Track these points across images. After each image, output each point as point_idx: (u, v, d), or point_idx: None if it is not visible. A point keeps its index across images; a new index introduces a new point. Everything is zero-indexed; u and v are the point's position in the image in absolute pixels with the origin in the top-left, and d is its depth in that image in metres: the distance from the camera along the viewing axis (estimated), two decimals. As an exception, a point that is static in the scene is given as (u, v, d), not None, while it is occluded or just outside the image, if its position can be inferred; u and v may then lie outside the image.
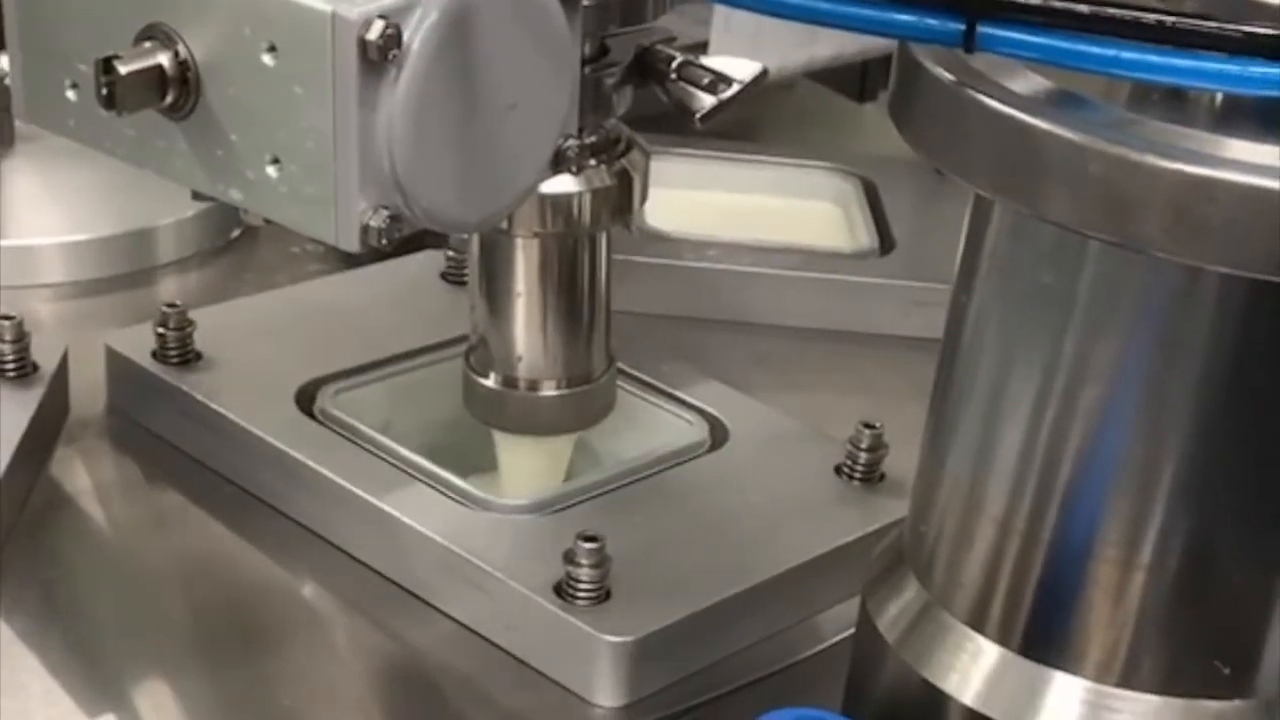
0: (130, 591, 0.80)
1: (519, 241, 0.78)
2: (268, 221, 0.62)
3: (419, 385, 0.90)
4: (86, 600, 0.78)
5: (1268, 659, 0.60)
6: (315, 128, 0.57)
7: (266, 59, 0.58)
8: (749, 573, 0.78)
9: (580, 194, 0.77)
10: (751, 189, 1.17)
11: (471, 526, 0.79)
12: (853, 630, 0.69)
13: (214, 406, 0.86)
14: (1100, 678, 0.60)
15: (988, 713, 0.62)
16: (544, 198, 0.76)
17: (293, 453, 0.83)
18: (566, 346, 0.81)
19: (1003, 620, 0.62)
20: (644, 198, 0.80)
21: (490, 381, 0.82)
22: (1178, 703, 0.60)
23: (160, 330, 0.88)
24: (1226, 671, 0.60)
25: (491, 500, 0.81)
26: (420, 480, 0.82)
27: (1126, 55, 0.51)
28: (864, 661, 0.67)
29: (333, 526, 0.82)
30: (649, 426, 0.89)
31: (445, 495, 0.81)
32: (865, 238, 1.12)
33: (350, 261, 0.99)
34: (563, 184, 0.75)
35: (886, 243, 1.11)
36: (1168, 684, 0.60)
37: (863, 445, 0.83)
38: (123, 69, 0.59)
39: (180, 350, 0.88)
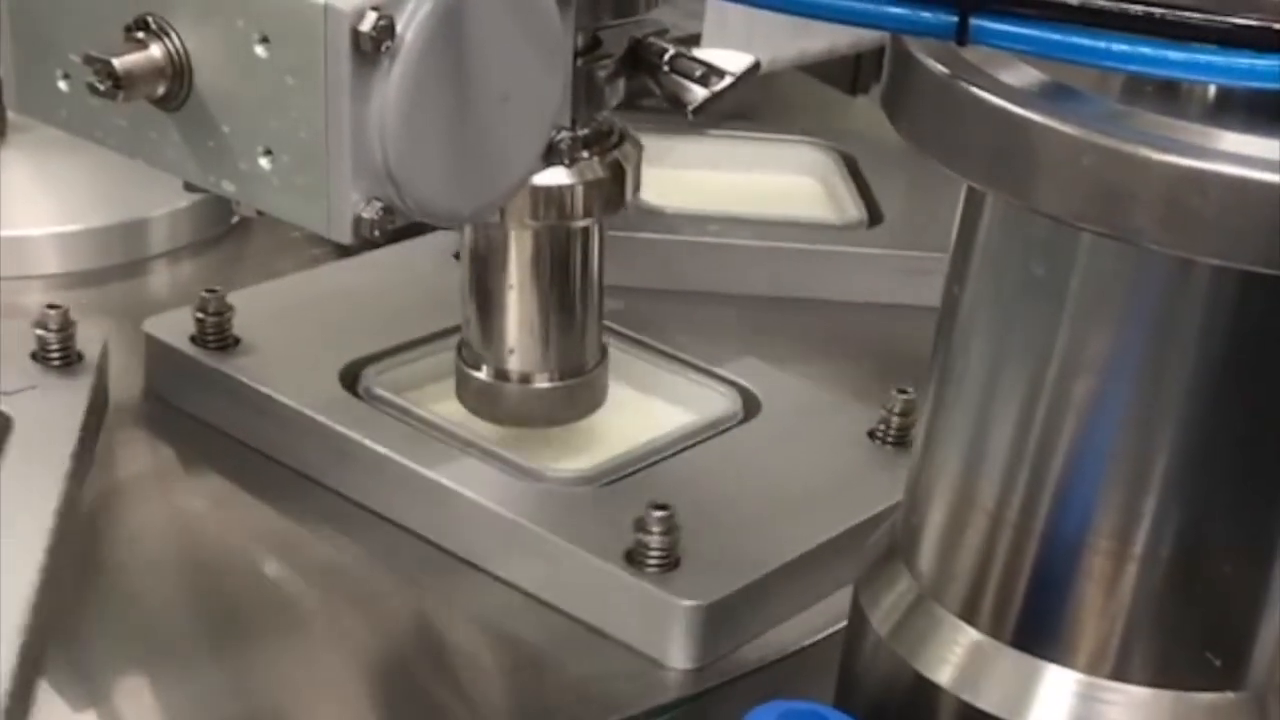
0: (191, 574, 0.81)
1: (511, 234, 0.78)
2: (260, 213, 0.62)
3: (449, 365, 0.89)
4: (147, 586, 0.79)
5: (1259, 651, 0.61)
6: (307, 119, 0.57)
7: (259, 50, 0.58)
8: (806, 537, 0.79)
9: (573, 186, 0.77)
10: (731, 165, 1.18)
11: (531, 498, 0.81)
12: (844, 623, 0.69)
13: (262, 389, 0.86)
14: (1092, 670, 0.60)
15: (979, 705, 0.62)
16: (536, 190, 0.76)
17: (347, 432, 0.84)
18: (559, 339, 0.81)
19: (994, 612, 0.62)
20: (636, 190, 0.80)
21: (482, 374, 0.82)
22: (1169, 695, 0.60)
23: (199, 315, 0.89)
24: (1218, 664, 0.60)
25: (545, 472, 0.82)
26: (474, 455, 0.83)
27: (1118, 47, 0.51)
28: (856, 654, 0.67)
29: (390, 503, 0.83)
30: (682, 399, 0.91)
31: (500, 469, 0.82)
32: (853, 210, 1.13)
33: (345, 251, 0.99)
34: (555, 176, 0.75)
35: (874, 215, 1.12)
36: (1159, 676, 0.60)
37: (895, 410, 0.85)
38: (117, 62, 0.59)
39: (219, 335, 0.89)
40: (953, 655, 0.63)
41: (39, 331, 0.86)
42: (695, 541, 0.77)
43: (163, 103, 0.60)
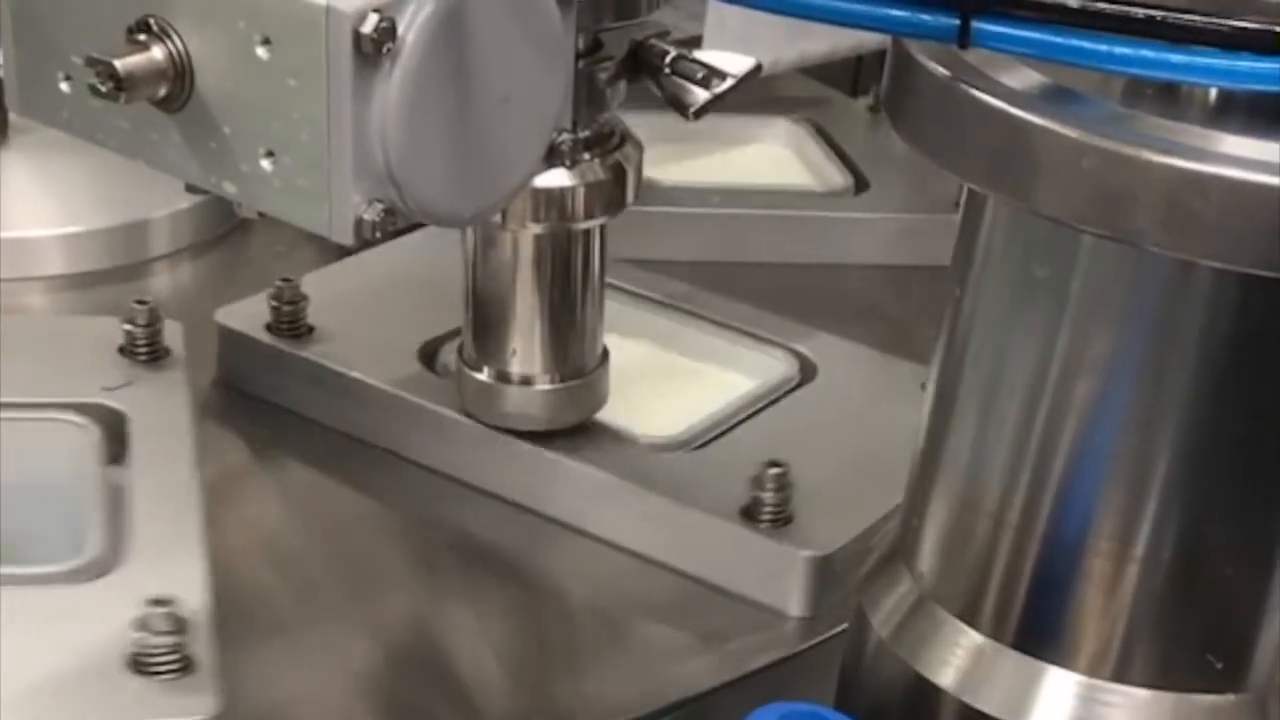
0: (317, 550, 0.83)
1: (512, 235, 0.78)
2: (261, 215, 0.62)
3: None
4: (256, 572, 0.81)
5: (1260, 653, 0.61)
6: (309, 121, 0.57)
7: (260, 52, 0.58)
8: (897, 488, 0.79)
9: (574, 188, 0.77)
10: (708, 138, 1.19)
11: (634, 463, 0.84)
12: (846, 625, 0.69)
13: (346, 371, 0.88)
14: (1093, 672, 0.60)
15: (981, 707, 0.62)
16: (538, 191, 0.76)
17: (442, 410, 0.85)
18: (560, 340, 0.81)
19: (996, 614, 0.62)
20: (638, 191, 0.80)
21: (483, 375, 0.82)
22: (1170, 697, 0.60)
23: (275, 303, 0.91)
24: (1219, 666, 0.60)
25: (637, 438, 0.85)
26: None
27: (1119, 50, 0.51)
28: (857, 655, 0.67)
29: (488, 475, 0.85)
30: (740, 365, 0.94)
31: (593, 437, 0.85)
32: (838, 178, 1.17)
33: (347, 251, 0.99)
34: (556, 178, 0.75)
35: (860, 181, 1.16)
36: (1160, 678, 0.60)
37: None
38: (119, 63, 0.59)
39: (293, 322, 0.91)
40: (954, 657, 0.63)
41: (127, 327, 0.87)
42: (802, 496, 0.81)
43: (164, 104, 0.60)
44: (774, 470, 0.80)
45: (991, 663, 0.62)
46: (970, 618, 0.62)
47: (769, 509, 0.80)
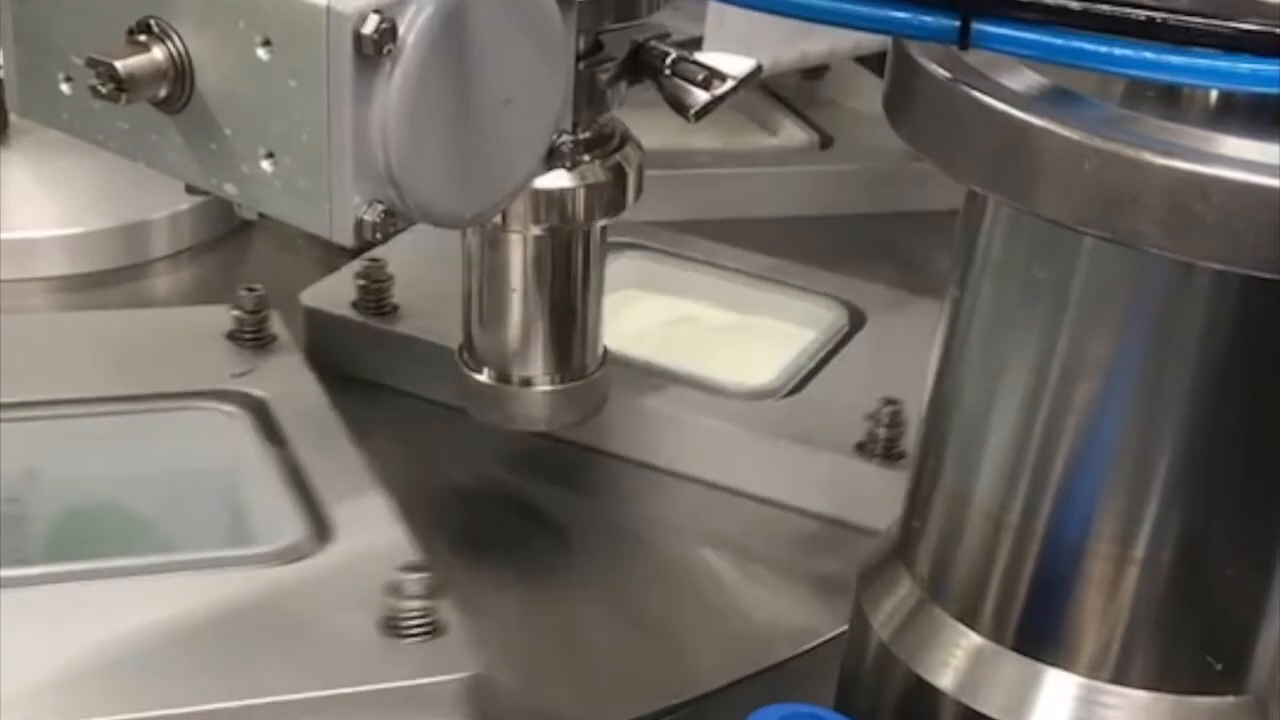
0: (456, 513, 0.87)
1: (513, 237, 0.78)
2: (262, 216, 0.62)
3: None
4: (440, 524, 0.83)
5: (1260, 655, 0.61)
6: (309, 122, 0.57)
7: (261, 53, 0.58)
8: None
9: (574, 189, 0.77)
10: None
11: (743, 410, 0.88)
12: (845, 626, 0.69)
13: (444, 343, 0.87)
14: (1093, 673, 0.60)
15: (981, 708, 0.62)
16: (538, 193, 0.76)
17: None
18: (560, 341, 0.81)
19: (996, 616, 0.62)
20: (638, 193, 0.80)
21: (484, 377, 0.82)
22: (1170, 699, 0.60)
23: (362, 282, 0.94)
24: (1219, 668, 0.60)
25: (730, 386, 0.90)
26: (662, 379, 0.90)
27: (1120, 52, 0.51)
28: (857, 657, 0.67)
29: (599, 434, 0.88)
30: (793, 315, 0.99)
31: (692, 388, 0.89)
32: (801, 135, 1.22)
33: (347, 255, 0.99)
34: (557, 179, 0.75)
35: (824, 138, 1.22)
36: (1160, 680, 0.60)
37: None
38: (119, 64, 0.58)
39: (378, 301, 0.95)
40: (954, 659, 0.63)
41: (236, 313, 0.88)
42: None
43: (164, 105, 0.60)
44: (890, 407, 0.85)
45: (991, 664, 0.62)
46: (970, 619, 0.62)
47: (882, 444, 0.85)
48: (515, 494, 0.88)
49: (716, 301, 0.99)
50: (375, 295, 0.95)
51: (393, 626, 0.69)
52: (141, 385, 0.84)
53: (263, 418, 0.83)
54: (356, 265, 0.96)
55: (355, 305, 0.95)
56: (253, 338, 0.88)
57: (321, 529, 0.75)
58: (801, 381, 0.92)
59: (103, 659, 0.67)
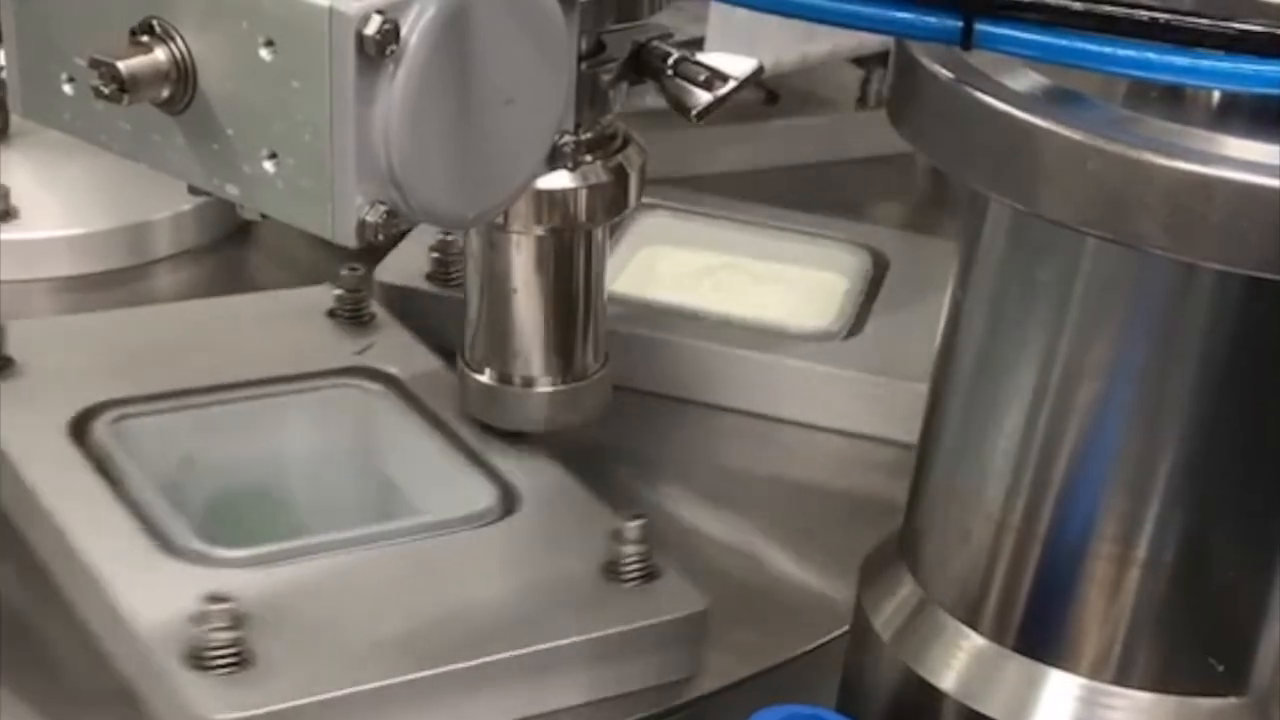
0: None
1: (515, 238, 0.78)
2: (264, 216, 0.62)
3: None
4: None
5: (1262, 656, 0.60)
6: (312, 122, 0.57)
7: (264, 53, 0.58)
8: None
9: (576, 190, 0.77)
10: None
11: (815, 350, 0.93)
12: (847, 627, 0.69)
13: None
14: (1095, 675, 0.60)
15: (983, 710, 0.62)
16: (540, 194, 0.76)
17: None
18: (562, 342, 0.81)
19: (998, 617, 0.62)
20: (640, 194, 0.80)
21: (485, 378, 0.82)
22: (1172, 700, 0.60)
23: (436, 254, 0.96)
24: (1221, 669, 0.60)
25: (793, 329, 0.95)
26: (732, 325, 0.94)
27: (1123, 53, 0.51)
28: (859, 658, 0.67)
29: (671, 381, 0.92)
30: (823, 262, 1.02)
31: (760, 333, 0.93)
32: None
33: (350, 256, 0.99)
34: (559, 180, 0.75)
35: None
36: (1162, 681, 0.60)
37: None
38: (122, 65, 0.58)
39: (447, 273, 0.96)
40: (956, 660, 0.63)
41: (338, 292, 0.92)
42: None
43: (167, 106, 0.60)
44: None
45: (993, 665, 0.62)
46: (972, 620, 0.62)
47: None
48: (596, 442, 0.88)
49: (747, 252, 1.03)
50: (445, 267, 0.96)
51: (613, 573, 0.75)
52: (275, 368, 0.88)
53: (400, 391, 0.87)
54: (429, 238, 0.97)
55: (429, 277, 0.96)
56: (352, 315, 0.91)
57: (506, 491, 0.80)
58: (858, 322, 0.97)
59: (412, 616, 0.73)
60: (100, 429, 0.83)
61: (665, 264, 1.03)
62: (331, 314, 0.92)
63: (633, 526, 0.74)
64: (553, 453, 0.83)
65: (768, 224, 1.05)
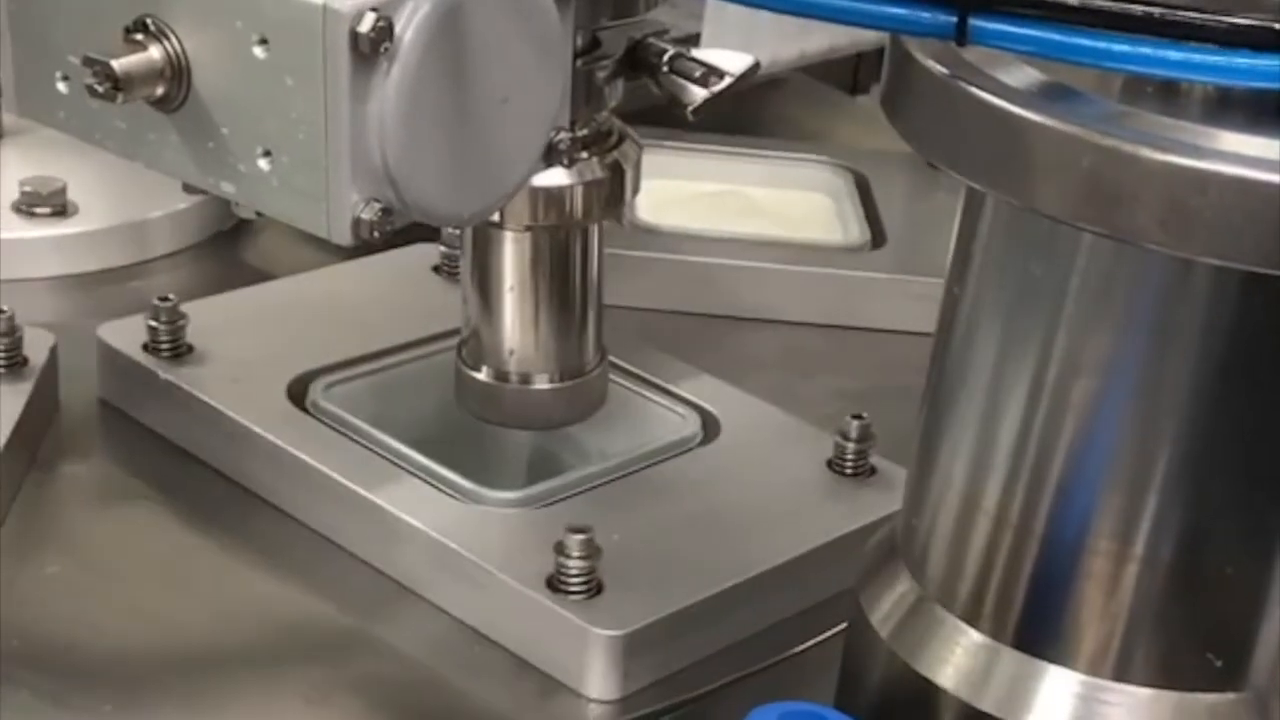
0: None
1: (511, 235, 0.78)
2: (259, 214, 0.62)
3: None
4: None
5: (1260, 651, 0.60)
6: (307, 120, 0.57)
7: (258, 51, 0.58)
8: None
9: (572, 187, 0.77)
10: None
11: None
12: (846, 624, 0.69)
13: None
14: (1093, 671, 0.60)
15: (981, 706, 0.62)
16: (536, 191, 0.76)
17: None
18: (559, 340, 0.81)
19: (996, 613, 0.62)
20: (636, 190, 0.79)
21: (482, 375, 0.82)
22: (1170, 696, 0.60)
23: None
24: (1219, 664, 0.60)
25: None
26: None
27: (1118, 48, 0.51)
28: (857, 655, 0.67)
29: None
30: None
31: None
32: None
33: (345, 253, 0.99)
34: (555, 177, 0.75)
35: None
36: (1160, 677, 0.60)
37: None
38: (116, 64, 0.58)
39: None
40: (954, 656, 0.63)
41: (443, 248, 0.96)
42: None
43: (162, 104, 0.60)
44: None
45: (991, 662, 0.62)
46: (970, 617, 0.62)
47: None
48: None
49: (740, 179, 1.10)
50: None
51: (840, 471, 0.84)
52: (437, 324, 0.92)
53: None
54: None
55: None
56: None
57: (705, 416, 0.88)
58: (876, 236, 1.08)
59: (664, 542, 0.79)
60: (316, 396, 0.87)
61: (666, 194, 1.07)
62: (437, 269, 0.97)
63: (854, 425, 0.84)
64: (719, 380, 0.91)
65: (744, 152, 1.15)
